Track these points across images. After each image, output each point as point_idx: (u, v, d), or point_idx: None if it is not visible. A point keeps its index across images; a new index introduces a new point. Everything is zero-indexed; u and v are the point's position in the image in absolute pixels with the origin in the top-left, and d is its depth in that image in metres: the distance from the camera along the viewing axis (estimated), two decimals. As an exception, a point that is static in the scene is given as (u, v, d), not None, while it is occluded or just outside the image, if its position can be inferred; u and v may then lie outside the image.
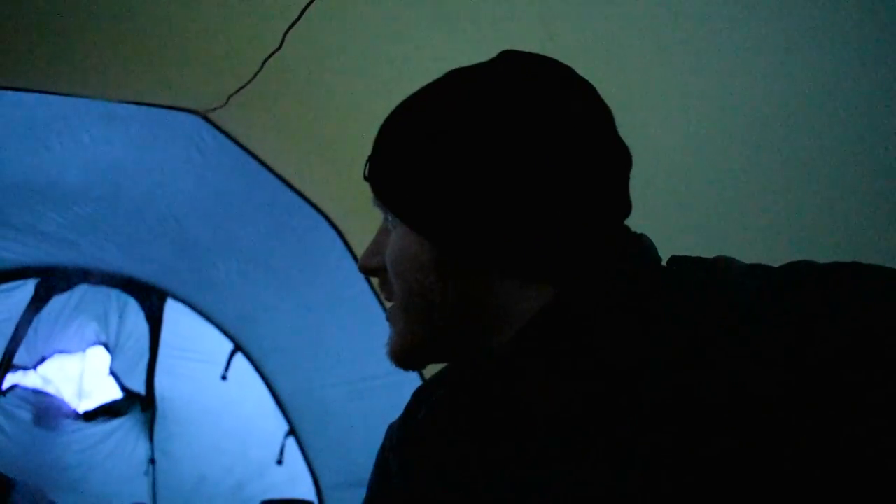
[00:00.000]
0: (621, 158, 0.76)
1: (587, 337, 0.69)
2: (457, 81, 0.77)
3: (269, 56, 1.91)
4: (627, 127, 0.79)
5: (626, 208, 0.77)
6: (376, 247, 0.82)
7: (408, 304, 0.78)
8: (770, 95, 1.30)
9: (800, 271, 0.67)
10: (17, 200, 3.15)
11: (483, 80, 0.75)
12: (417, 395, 0.94)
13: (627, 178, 0.77)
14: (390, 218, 0.79)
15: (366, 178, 0.81)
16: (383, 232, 0.82)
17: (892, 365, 0.57)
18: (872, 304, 0.61)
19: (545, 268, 0.72)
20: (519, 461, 0.71)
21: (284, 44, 1.85)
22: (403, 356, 0.82)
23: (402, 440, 0.89)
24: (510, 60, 0.77)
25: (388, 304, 0.83)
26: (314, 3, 1.67)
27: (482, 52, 0.82)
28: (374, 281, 0.87)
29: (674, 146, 1.47)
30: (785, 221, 1.34)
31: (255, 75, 2.03)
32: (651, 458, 0.62)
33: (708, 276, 0.71)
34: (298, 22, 1.74)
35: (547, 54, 0.77)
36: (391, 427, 0.93)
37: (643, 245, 0.77)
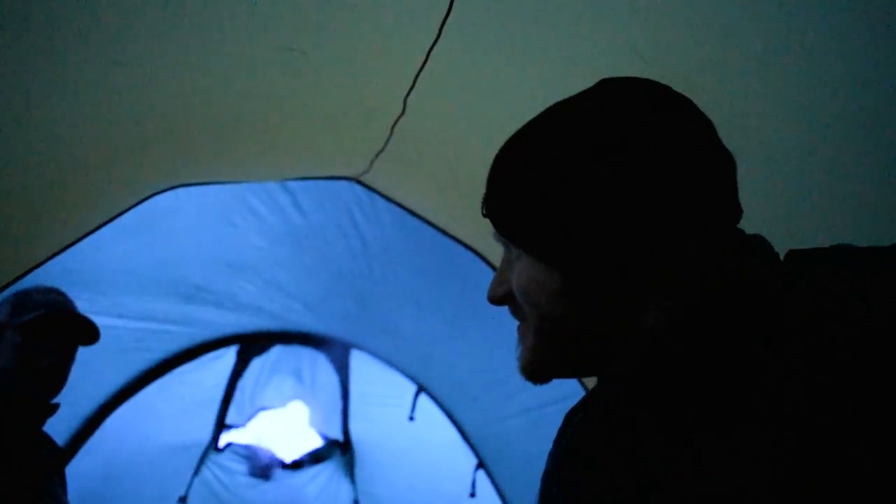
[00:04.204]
0: (727, 165, 0.80)
1: (725, 344, 0.73)
2: (564, 113, 0.82)
3: (396, 121, 2.08)
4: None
5: (738, 212, 0.81)
6: (501, 277, 0.87)
7: (539, 326, 0.83)
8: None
9: None
10: (217, 275, 3.50)
11: (590, 110, 0.80)
12: (564, 422, 0.99)
13: (735, 184, 0.80)
14: (514, 249, 0.84)
15: (485, 215, 0.87)
16: (507, 262, 0.87)
17: None
18: None
19: (664, 282, 0.75)
20: (662, 465, 0.75)
21: (407, 108, 2.01)
22: (533, 371, 0.86)
23: (553, 466, 0.92)
24: (611, 88, 0.82)
25: (518, 325, 0.88)
26: (424, 68, 1.81)
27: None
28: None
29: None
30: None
31: (387, 141, 2.21)
32: (795, 457, 0.65)
33: (830, 265, 0.74)
34: (414, 88, 1.89)
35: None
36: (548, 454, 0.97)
37: (759, 246, 0.81)
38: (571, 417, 0.93)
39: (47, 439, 2.20)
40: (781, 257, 0.80)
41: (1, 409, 2.04)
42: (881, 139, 1.18)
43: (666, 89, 0.81)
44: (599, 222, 0.74)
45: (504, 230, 0.83)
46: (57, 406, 2.17)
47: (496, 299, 0.88)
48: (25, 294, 2.19)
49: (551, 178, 0.77)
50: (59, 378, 2.17)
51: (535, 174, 0.79)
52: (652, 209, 0.73)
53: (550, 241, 0.78)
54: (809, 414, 0.64)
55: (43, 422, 2.17)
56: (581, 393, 2.88)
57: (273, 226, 3.26)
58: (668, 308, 0.75)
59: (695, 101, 0.82)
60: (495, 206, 0.84)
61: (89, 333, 2.28)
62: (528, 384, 0.89)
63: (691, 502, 0.69)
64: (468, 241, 2.95)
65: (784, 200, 1.38)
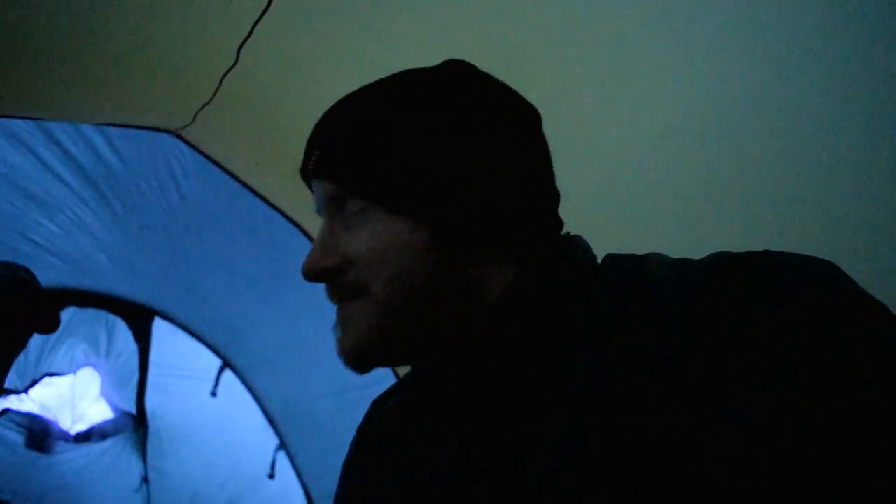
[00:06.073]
0: (548, 152, 0.82)
1: (533, 322, 0.72)
2: (414, 78, 0.81)
3: (227, 72, 1.98)
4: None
5: (558, 197, 0.82)
6: (327, 247, 0.78)
7: (386, 294, 0.74)
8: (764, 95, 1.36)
9: (713, 263, 0.70)
10: (13, 209, 3.14)
11: (443, 77, 0.80)
12: (371, 409, 0.95)
13: (553, 171, 0.83)
14: (358, 212, 0.76)
15: (315, 175, 0.79)
16: (333, 231, 0.79)
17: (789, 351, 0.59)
18: (774, 292, 0.63)
19: (514, 246, 0.76)
20: (462, 454, 0.73)
21: (240, 59, 1.91)
22: (363, 354, 0.77)
23: (356, 455, 0.91)
24: (459, 65, 0.83)
25: (344, 305, 0.78)
26: (263, 18, 1.73)
27: (429, 56, 0.87)
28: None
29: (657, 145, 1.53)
30: (781, 223, 1.39)
31: (215, 92, 2.09)
32: (578, 441, 0.64)
33: (636, 270, 0.74)
34: (251, 37, 1.81)
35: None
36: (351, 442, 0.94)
37: (579, 241, 0.81)
38: (379, 405, 0.93)
39: None
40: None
41: None
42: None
43: (499, 81, 0.83)
44: (464, 175, 0.74)
45: (356, 188, 0.76)
46: (2, 390, 2.10)
47: (321, 271, 0.77)
48: None
49: (417, 130, 0.75)
50: (6, 359, 2.15)
51: (396, 127, 0.76)
52: (504, 173, 0.75)
53: (421, 194, 0.74)
54: (620, 395, 0.65)
55: None
56: (392, 380, 2.89)
57: (82, 165, 3.00)
58: (507, 279, 0.76)
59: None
60: (342, 161, 0.77)
61: (49, 321, 2.11)
62: (340, 365, 0.80)
63: (494, 494, 0.69)
64: (288, 211, 2.88)
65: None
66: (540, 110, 0.83)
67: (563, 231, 0.83)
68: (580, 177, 1.67)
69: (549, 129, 0.84)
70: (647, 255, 0.76)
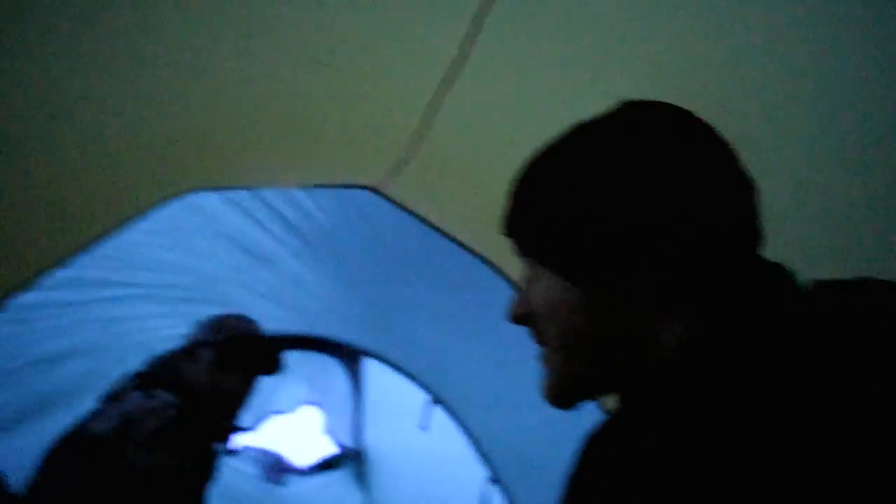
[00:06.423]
0: (747, 191, 0.80)
1: (731, 366, 0.70)
2: (586, 134, 0.84)
3: (418, 132, 2.04)
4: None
5: (759, 238, 0.80)
6: (523, 296, 0.87)
7: (563, 345, 0.82)
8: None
9: None
10: (237, 264, 3.44)
11: (612, 132, 0.82)
12: (583, 440, 0.96)
13: (756, 210, 0.80)
14: (536, 268, 0.84)
15: (505, 234, 0.88)
16: (528, 281, 0.86)
17: None
18: None
19: (683, 300, 0.76)
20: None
21: (432, 120, 1.96)
22: (561, 396, 0.85)
23: (565, 486, 0.92)
24: (633, 111, 0.84)
25: (540, 350, 0.86)
26: (458, 72, 1.76)
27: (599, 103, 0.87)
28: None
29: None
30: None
31: (410, 148, 2.17)
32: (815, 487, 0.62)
33: (839, 305, 0.71)
34: (440, 98, 1.85)
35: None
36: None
37: (779, 273, 0.79)
38: (591, 437, 0.92)
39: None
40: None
41: (187, 422, 2.15)
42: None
43: (687, 113, 0.82)
44: (618, 241, 0.75)
45: (525, 249, 0.85)
46: (238, 428, 2.38)
47: (516, 318, 0.87)
48: (221, 318, 2.40)
49: (572, 197, 0.79)
50: (239, 400, 2.37)
51: (555, 193, 0.80)
52: (670, 231, 0.75)
53: (570, 259, 0.79)
54: (826, 444, 0.61)
55: (221, 440, 2.34)
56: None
57: (293, 224, 3.23)
58: (685, 328, 0.76)
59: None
60: (516, 224, 0.86)
61: (271, 364, 2.46)
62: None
63: None
64: (487, 256, 2.91)
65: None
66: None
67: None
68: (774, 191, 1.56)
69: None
70: (855, 284, 0.74)
